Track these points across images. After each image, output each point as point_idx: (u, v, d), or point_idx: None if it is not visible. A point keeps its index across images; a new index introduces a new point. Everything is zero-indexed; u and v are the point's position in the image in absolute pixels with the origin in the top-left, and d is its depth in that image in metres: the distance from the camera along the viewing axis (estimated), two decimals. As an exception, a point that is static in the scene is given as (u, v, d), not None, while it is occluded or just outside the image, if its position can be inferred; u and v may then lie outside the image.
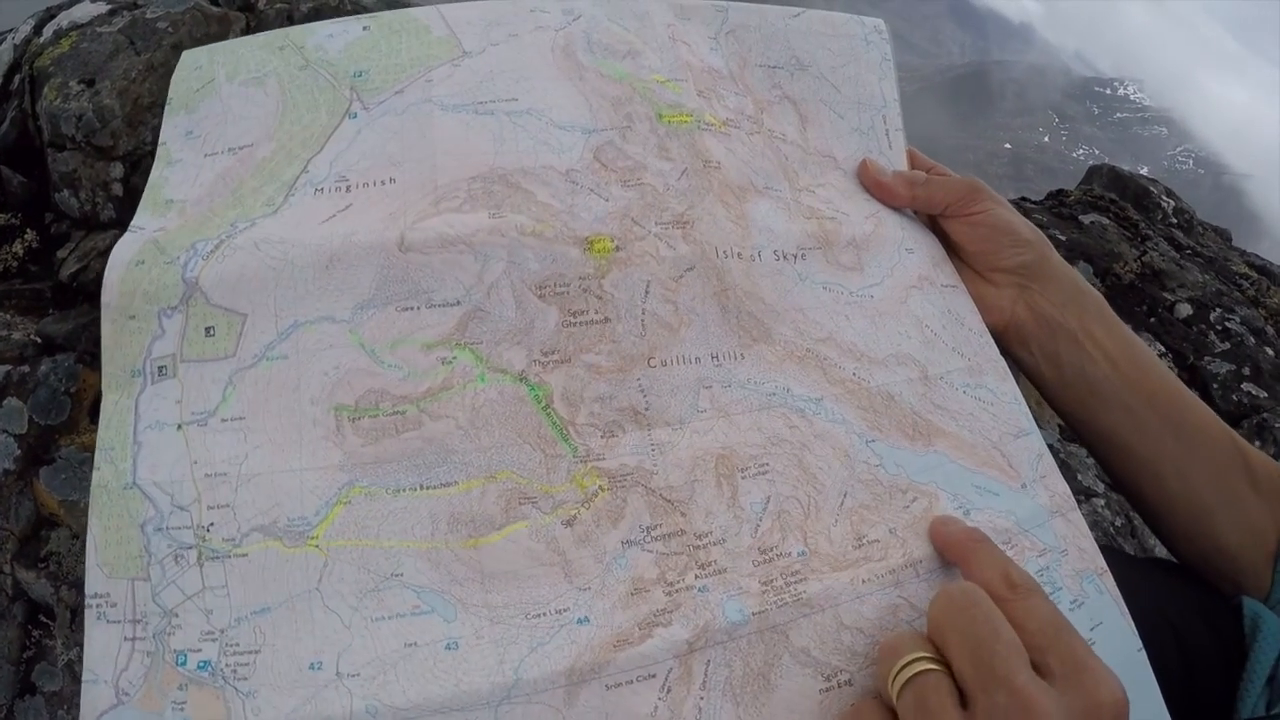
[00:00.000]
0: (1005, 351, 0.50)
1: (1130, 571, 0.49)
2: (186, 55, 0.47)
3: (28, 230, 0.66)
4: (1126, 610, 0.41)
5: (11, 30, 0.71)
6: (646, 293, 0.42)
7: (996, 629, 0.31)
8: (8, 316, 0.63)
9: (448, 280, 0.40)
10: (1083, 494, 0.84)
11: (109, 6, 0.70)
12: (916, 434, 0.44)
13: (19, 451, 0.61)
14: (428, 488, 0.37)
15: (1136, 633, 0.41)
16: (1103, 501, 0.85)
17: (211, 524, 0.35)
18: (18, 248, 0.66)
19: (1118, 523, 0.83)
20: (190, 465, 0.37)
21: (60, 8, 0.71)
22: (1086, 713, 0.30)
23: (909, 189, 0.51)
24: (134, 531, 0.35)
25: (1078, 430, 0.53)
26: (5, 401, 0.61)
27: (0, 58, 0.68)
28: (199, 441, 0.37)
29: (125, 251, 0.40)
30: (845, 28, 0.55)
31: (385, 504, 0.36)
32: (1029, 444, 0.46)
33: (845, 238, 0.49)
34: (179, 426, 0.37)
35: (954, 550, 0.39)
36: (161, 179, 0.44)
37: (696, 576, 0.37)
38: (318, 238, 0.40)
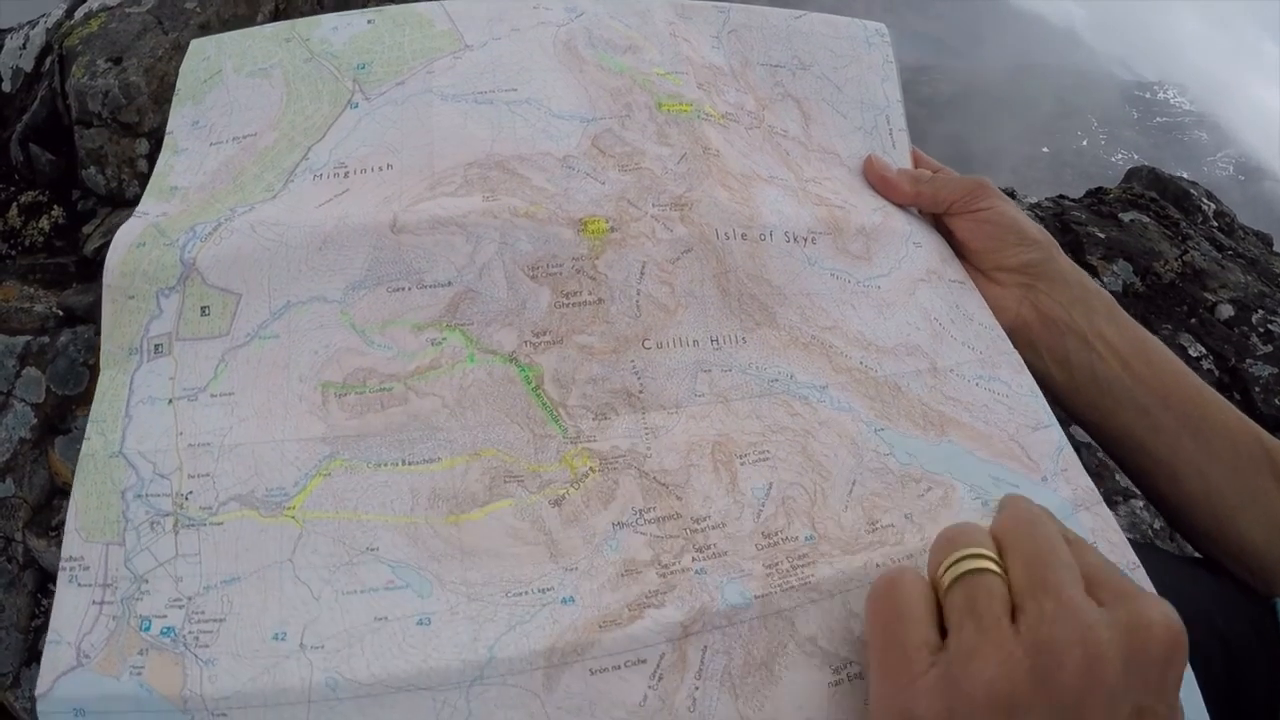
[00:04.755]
0: None
1: (1174, 572, 0.47)
2: (194, 45, 0.48)
3: (55, 206, 0.68)
4: None
5: (44, 15, 0.73)
6: (642, 274, 0.41)
7: (1055, 547, 0.31)
8: (31, 290, 0.65)
9: (439, 261, 0.39)
10: (1120, 495, 0.81)
11: (139, -11, 0.72)
12: (928, 424, 0.42)
13: (35, 420, 0.62)
14: (410, 463, 0.36)
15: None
16: (1141, 503, 0.82)
17: (190, 492, 0.35)
18: (44, 223, 0.67)
19: (1156, 525, 0.80)
20: (176, 436, 0.37)
21: (92, -9, 0.73)
22: (1136, 628, 0.28)
23: (914, 185, 0.50)
24: (114, 498, 0.35)
25: (1092, 433, 0.51)
26: (25, 371, 0.62)
27: (33, 41, 0.69)
28: (188, 415, 0.37)
29: (128, 234, 0.41)
30: (847, 30, 0.55)
31: (365, 477, 0.36)
32: (1048, 437, 0.44)
33: (855, 226, 0.48)
34: (170, 401, 0.38)
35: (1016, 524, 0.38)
36: (167, 167, 0.45)
37: (694, 559, 0.35)
38: (312, 220, 0.40)
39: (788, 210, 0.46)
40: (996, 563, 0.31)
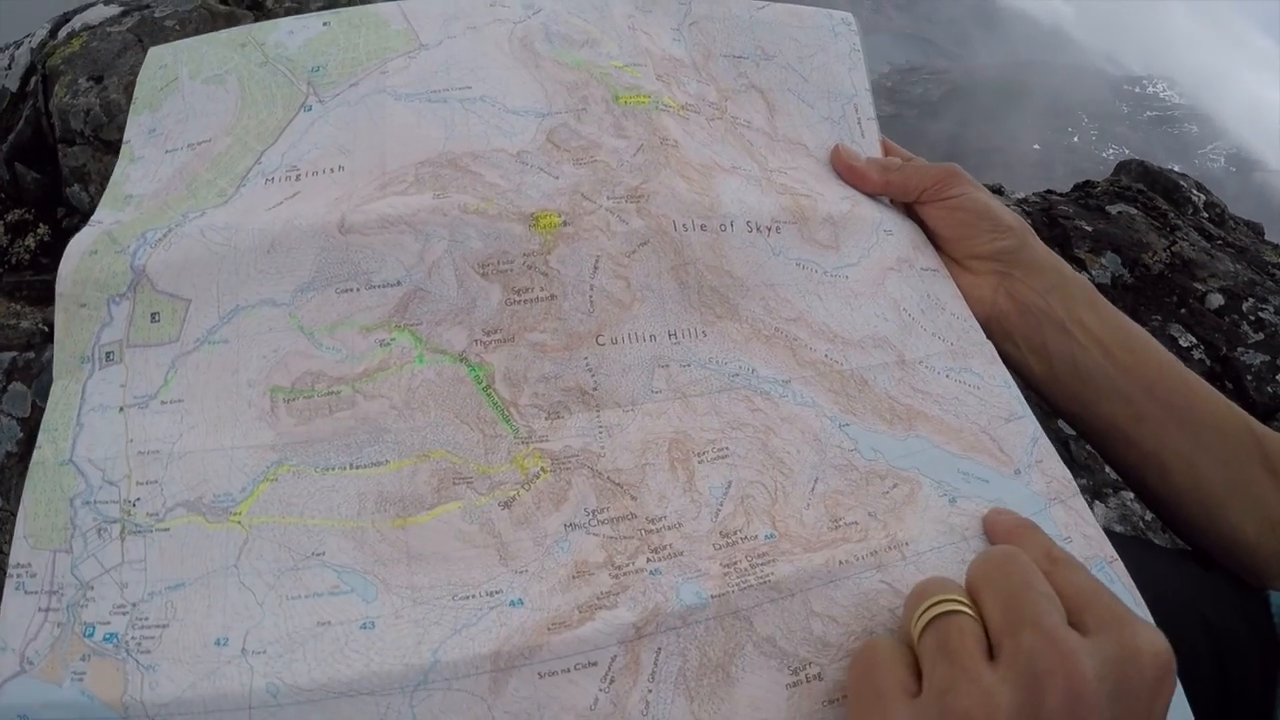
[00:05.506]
0: None
1: (1162, 565, 0.46)
2: (152, 53, 0.48)
3: (40, 225, 0.68)
4: (1142, 601, 0.38)
5: (29, 35, 0.74)
6: (595, 268, 0.40)
7: (1030, 580, 0.30)
8: (18, 307, 0.66)
9: (388, 261, 0.39)
10: (1110, 487, 0.79)
11: (120, 8, 0.73)
12: (895, 418, 0.41)
13: (21, 434, 0.62)
14: (357, 467, 0.36)
15: (1152, 620, 0.37)
16: (1131, 495, 0.79)
17: (138, 499, 0.35)
18: (30, 241, 0.68)
19: (1148, 517, 0.78)
20: (126, 444, 0.36)
21: (75, 11, 0.75)
22: (1123, 659, 0.27)
23: (883, 174, 0.49)
24: (63, 505, 0.35)
25: (1075, 425, 0.50)
26: (10, 386, 0.63)
27: (18, 61, 0.71)
28: (138, 422, 0.37)
29: (80, 243, 0.41)
30: (812, 19, 0.54)
31: (312, 482, 0.35)
32: (1022, 428, 0.43)
33: (821, 214, 0.46)
34: (120, 409, 0.37)
35: (1001, 536, 0.37)
36: (123, 175, 0.44)
37: (648, 560, 0.35)
38: (261, 223, 0.40)
39: (750, 200, 0.45)
40: (969, 605, 0.30)
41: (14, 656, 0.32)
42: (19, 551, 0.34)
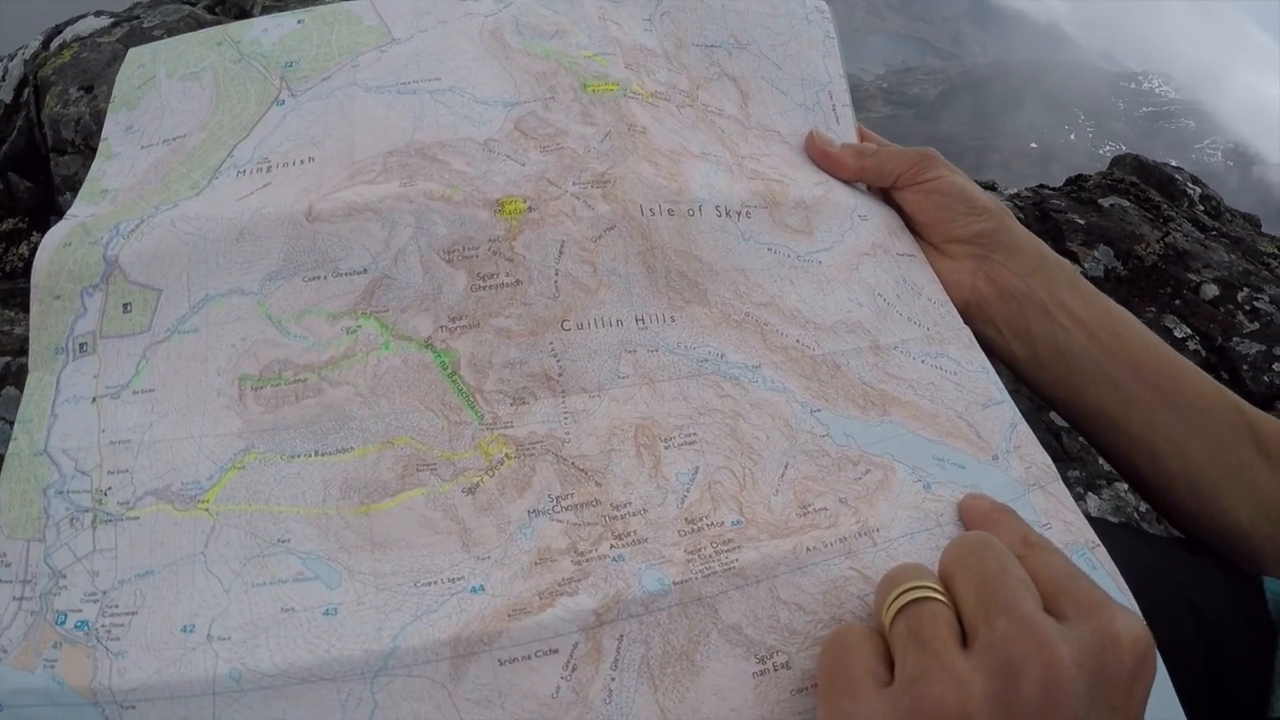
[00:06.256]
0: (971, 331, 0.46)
1: (1149, 551, 0.45)
2: (131, 53, 0.49)
3: (34, 233, 0.70)
4: (1125, 586, 0.37)
5: (22, 47, 0.75)
6: (560, 253, 0.40)
7: (1005, 565, 0.29)
8: (11, 313, 0.67)
9: (355, 248, 0.39)
10: (1104, 478, 0.78)
11: (111, 20, 0.74)
12: (868, 404, 0.41)
13: (16, 441, 0.64)
14: (322, 454, 0.36)
15: (1136, 606, 0.37)
16: (1125, 487, 0.78)
17: (110, 488, 0.35)
18: (23, 249, 0.69)
19: (1142, 508, 0.77)
20: (99, 434, 0.37)
21: (67, 23, 0.76)
22: (1101, 646, 0.27)
23: (857, 159, 0.49)
24: (37, 495, 0.35)
25: (1062, 412, 0.49)
26: (5, 390, 0.64)
27: (11, 73, 0.72)
28: (110, 412, 0.37)
29: (55, 236, 0.41)
30: (785, 7, 0.54)
31: (279, 469, 0.35)
32: (1000, 413, 0.43)
33: (794, 199, 0.46)
34: (94, 399, 0.38)
35: (976, 521, 0.37)
36: (100, 171, 0.45)
37: (611, 546, 0.34)
38: (231, 213, 0.40)
39: (719, 184, 0.45)
40: (941, 592, 0.29)
41: None
42: None
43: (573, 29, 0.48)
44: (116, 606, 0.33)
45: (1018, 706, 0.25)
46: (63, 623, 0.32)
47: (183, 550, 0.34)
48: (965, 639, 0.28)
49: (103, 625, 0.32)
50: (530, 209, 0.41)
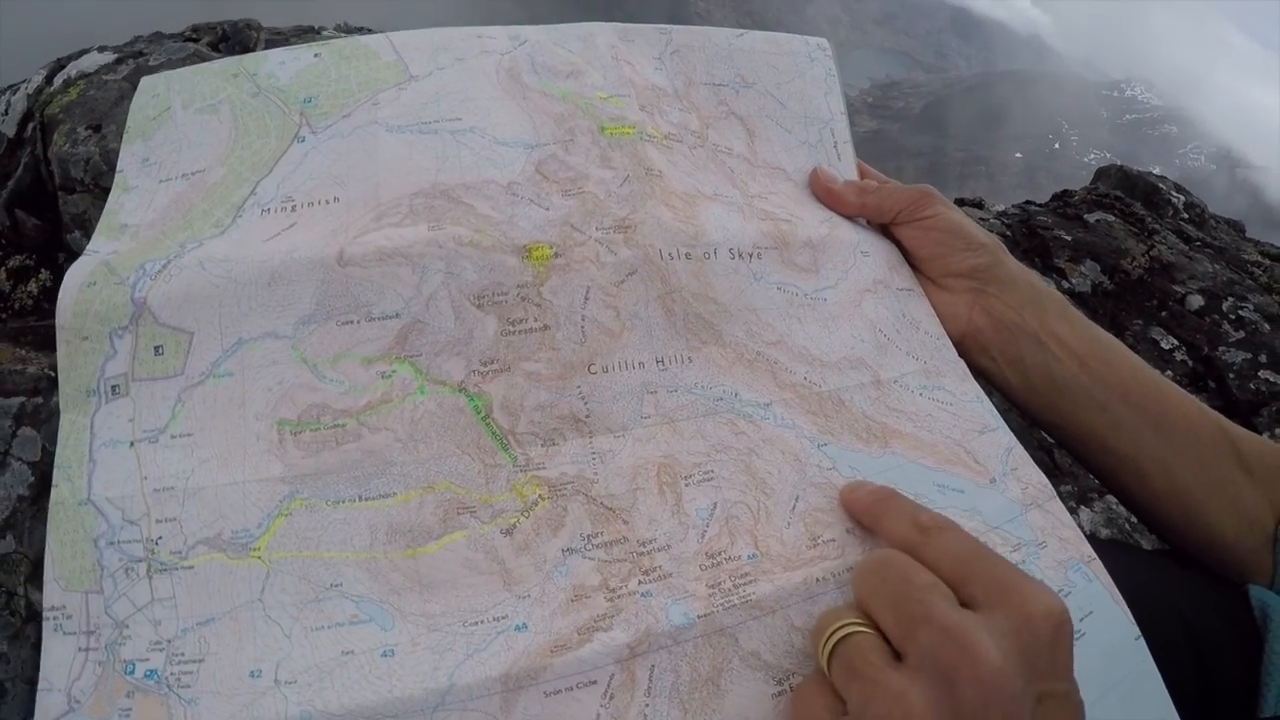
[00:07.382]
0: (967, 362, 0.49)
1: (1139, 565, 0.47)
2: (144, 83, 0.48)
3: (42, 270, 0.70)
4: (1120, 598, 0.39)
5: (25, 80, 0.75)
6: (586, 298, 0.42)
7: (909, 575, 0.31)
8: (23, 352, 0.67)
9: (387, 293, 0.40)
10: (1095, 491, 0.81)
11: (115, 56, 0.75)
12: (871, 437, 0.43)
13: (33, 478, 0.64)
14: (366, 499, 0.37)
15: (1132, 619, 0.39)
16: (1116, 499, 0.81)
17: (160, 537, 0.36)
18: (33, 287, 0.70)
19: (1134, 519, 0.80)
20: (141, 481, 0.38)
21: (70, 58, 0.76)
22: (1018, 630, 0.29)
23: (859, 196, 0.51)
24: (88, 546, 0.37)
25: (1054, 435, 0.51)
26: (20, 431, 0.64)
27: (14, 107, 0.72)
28: (150, 458, 0.38)
29: (78, 274, 0.41)
30: (789, 45, 0.56)
31: (325, 515, 0.37)
32: (995, 439, 0.45)
33: (801, 239, 0.48)
34: (131, 444, 0.38)
35: (866, 514, 0.38)
36: (117, 205, 0.45)
37: (640, 582, 0.37)
38: (261, 255, 0.41)
39: (733, 226, 0.47)
40: (862, 622, 0.31)
41: (61, 696, 0.33)
42: (52, 594, 0.36)
43: (587, 69, 0.49)
44: (183, 654, 0.34)
45: (961, 707, 0.27)
46: (132, 672, 0.34)
47: (240, 597, 0.35)
48: (901, 658, 0.30)
49: (172, 673, 0.34)
50: (556, 255, 0.42)
